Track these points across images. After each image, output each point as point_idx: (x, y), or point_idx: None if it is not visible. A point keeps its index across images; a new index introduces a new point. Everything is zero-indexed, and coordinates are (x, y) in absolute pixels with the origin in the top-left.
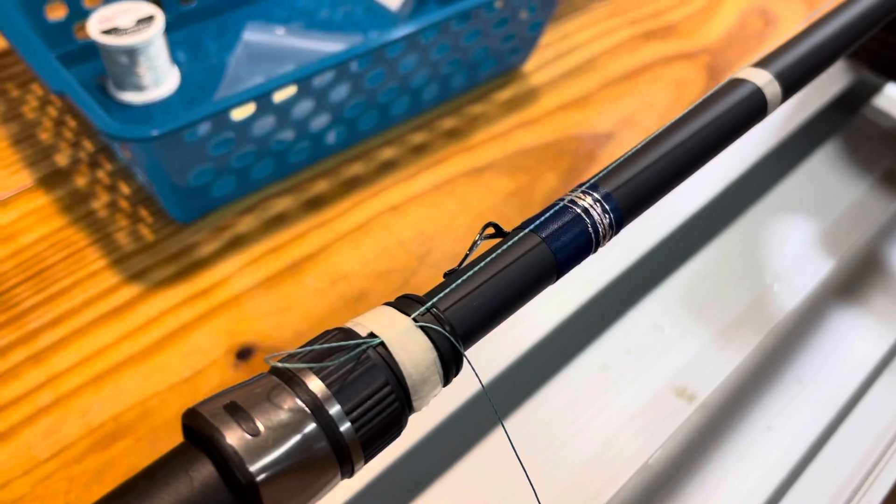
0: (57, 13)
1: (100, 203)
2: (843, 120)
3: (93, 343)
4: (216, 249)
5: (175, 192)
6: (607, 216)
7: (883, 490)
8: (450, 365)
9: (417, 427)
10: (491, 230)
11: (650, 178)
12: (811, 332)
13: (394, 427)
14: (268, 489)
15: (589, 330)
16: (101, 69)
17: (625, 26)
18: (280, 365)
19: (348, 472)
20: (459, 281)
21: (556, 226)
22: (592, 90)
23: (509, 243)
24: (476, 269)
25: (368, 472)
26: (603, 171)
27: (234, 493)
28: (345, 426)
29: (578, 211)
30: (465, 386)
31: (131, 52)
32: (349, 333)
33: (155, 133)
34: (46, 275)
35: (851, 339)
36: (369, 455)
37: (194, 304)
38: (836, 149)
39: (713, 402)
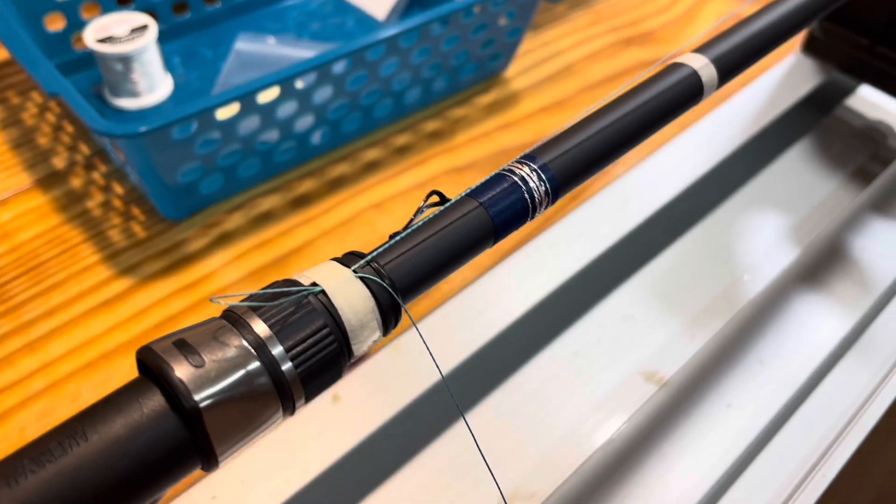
0: (56, 24)
1: (94, 202)
2: (815, 119)
3: (85, 332)
4: (205, 245)
5: (165, 190)
6: (543, 185)
7: (837, 466)
8: (388, 315)
9: (385, 409)
10: (435, 198)
11: (585, 151)
12: (775, 316)
13: (333, 367)
14: (211, 416)
15: (561, 318)
16: (98, 77)
17: (605, 34)
18: (223, 302)
19: (289, 408)
20: (399, 238)
21: (493, 192)
22: (571, 93)
23: (448, 205)
24: (415, 228)
25: (324, 460)
26: (539, 142)
27: (180, 420)
28: (286, 365)
29: (515, 179)
30: (429, 373)
31: (126, 60)
32: (293, 283)
33: (143, 129)
34: (41, 269)
35: (814, 322)
36: (310, 393)
37: (183, 297)
38: (808, 147)
39: (676, 381)
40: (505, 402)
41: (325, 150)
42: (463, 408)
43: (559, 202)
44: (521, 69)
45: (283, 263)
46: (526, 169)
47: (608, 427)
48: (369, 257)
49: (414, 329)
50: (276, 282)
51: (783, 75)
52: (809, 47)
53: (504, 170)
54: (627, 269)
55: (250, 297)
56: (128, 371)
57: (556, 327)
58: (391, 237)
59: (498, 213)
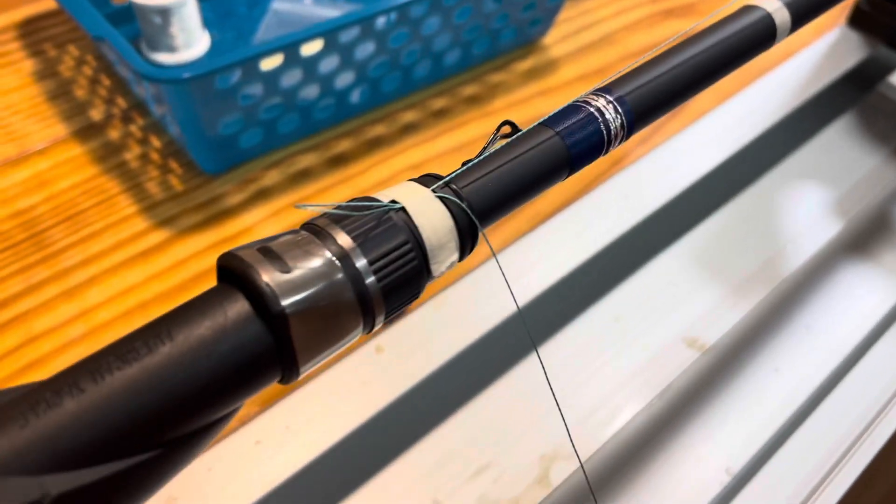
0: None
1: (132, 155)
2: (858, 95)
3: (123, 281)
4: (242, 200)
5: (205, 142)
6: (619, 117)
7: (887, 433)
8: (466, 237)
9: (428, 362)
10: (507, 128)
11: (661, 86)
12: (821, 284)
13: (413, 284)
14: (297, 322)
15: (603, 282)
16: (136, 33)
17: (645, 4)
18: (310, 208)
19: (369, 324)
20: (476, 161)
21: (569, 122)
22: (611, 62)
23: (522, 133)
24: (490, 154)
25: (366, 410)
26: (615, 75)
27: (265, 325)
28: (369, 279)
29: (592, 110)
30: (471, 327)
31: (164, 12)
32: (372, 200)
33: (187, 75)
34: (79, 218)
35: (861, 291)
36: (390, 310)
37: (220, 250)
38: (851, 122)
39: (721, 346)
40: (544, 363)
41: (363, 109)
42: (502, 370)
43: (595, 167)
44: (560, 37)
45: None
46: (602, 101)
47: (650, 391)
48: (447, 178)
49: (456, 285)
50: (355, 198)
51: (828, 48)
52: (855, 20)
53: (579, 101)
54: (670, 236)
55: (334, 214)
56: None
57: (597, 291)
58: (464, 164)
59: (574, 144)
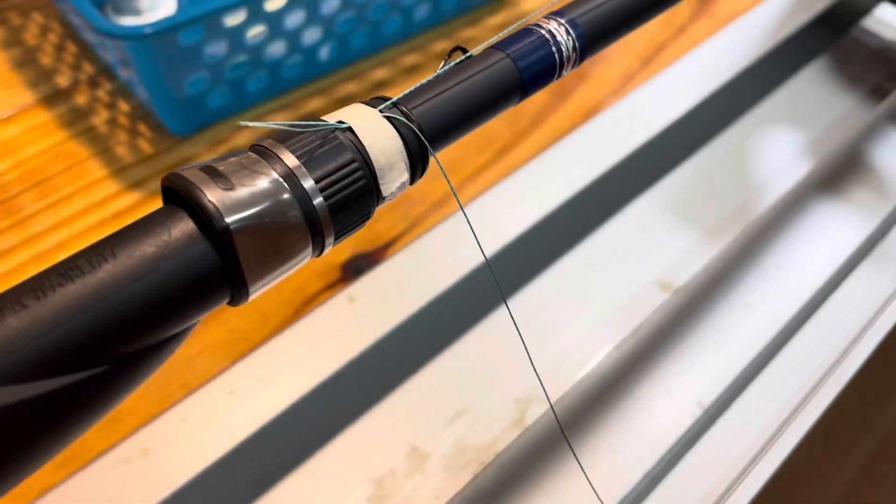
0: None
1: (100, 119)
2: (831, 38)
3: None
4: None
5: (172, 102)
6: (571, 40)
7: (853, 369)
8: (416, 159)
9: (400, 311)
10: (459, 54)
11: (614, 8)
12: (792, 223)
13: (362, 204)
14: (242, 240)
15: (574, 230)
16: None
17: None
18: (252, 125)
19: (319, 244)
20: (426, 82)
21: (520, 45)
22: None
23: (473, 55)
24: (441, 75)
25: (339, 359)
26: None
27: (210, 243)
28: (317, 199)
29: (543, 33)
30: (443, 277)
31: None
32: (319, 121)
33: (149, 30)
34: (48, 184)
35: (832, 228)
36: (339, 230)
37: None
38: (823, 66)
39: (692, 285)
40: (517, 311)
41: (332, 67)
42: (476, 317)
43: (568, 118)
44: None
45: None
46: (554, 23)
47: (623, 333)
48: (395, 99)
49: (427, 234)
50: (302, 120)
51: None
52: None
53: (531, 24)
54: (641, 184)
55: (278, 133)
56: None
57: (569, 239)
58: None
59: (526, 67)
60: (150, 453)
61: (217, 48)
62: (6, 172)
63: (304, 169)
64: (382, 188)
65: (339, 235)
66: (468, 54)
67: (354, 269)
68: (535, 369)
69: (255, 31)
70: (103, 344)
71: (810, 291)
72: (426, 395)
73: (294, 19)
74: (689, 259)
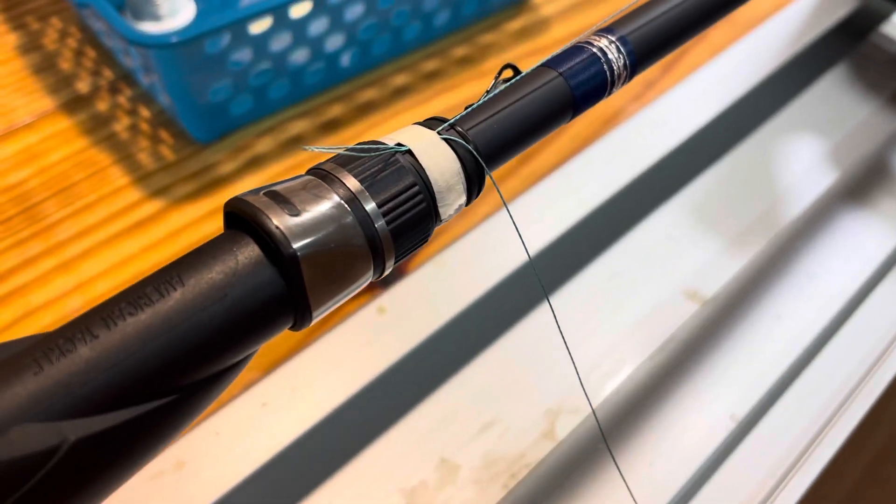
0: None
1: (121, 126)
2: (851, 45)
3: (119, 253)
4: (235, 168)
5: (195, 109)
6: (622, 58)
7: (888, 377)
8: (473, 180)
9: (430, 322)
10: (509, 72)
11: (664, 24)
12: (820, 232)
13: (422, 227)
14: (308, 266)
15: (599, 239)
16: (119, 2)
17: None
18: (315, 149)
19: (379, 268)
20: (480, 102)
21: (572, 63)
22: (601, 21)
23: (525, 75)
24: (496, 96)
25: (370, 371)
26: (617, 13)
27: (276, 270)
28: (378, 222)
29: (594, 50)
30: (473, 287)
31: None
32: (379, 143)
33: (175, 39)
34: (72, 191)
35: (860, 238)
36: (400, 253)
37: (216, 219)
38: (844, 73)
39: (722, 296)
40: (544, 321)
41: (353, 73)
42: (505, 327)
43: (590, 124)
44: None
45: None
46: (605, 41)
47: (651, 343)
48: (452, 121)
49: (455, 244)
50: (361, 143)
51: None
52: None
53: (581, 41)
54: (666, 191)
55: (339, 157)
56: None
57: (594, 249)
58: (467, 108)
59: (578, 85)
60: (184, 466)
61: (242, 56)
62: (29, 180)
63: (366, 193)
64: (441, 210)
65: (399, 258)
66: (520, 74)
67: (384, 279)
68: (579, 376)
69: (280, 39)
70: (173, 373)
71: (841, 301)
72: (455, 406)
73: (318, 27)
74: (715, 268)
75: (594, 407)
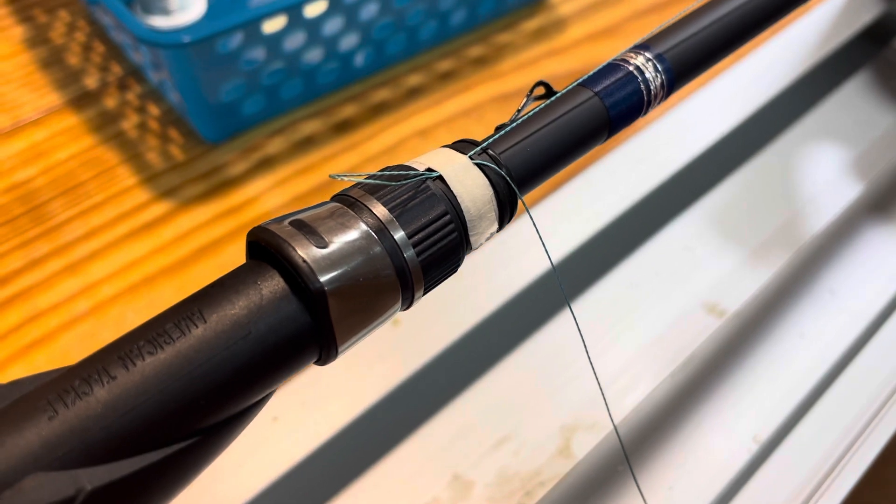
0: None
1: (130, 124)
2: (874, 51)
3: (126, 255)
4: (246, 169)
5: (206, 109)
6: (659, 76)
7: None
8: (505, 206)
9: (444, 335)
10: (541, 89)
11: (702, 41)
12: (843, 247)
13: (452, 257)
14: (335, 300)
15: (617, 249)
16: None
17: None
18: (346, 179)
19: (408, 300)
20: (513, 125)
21: (608, 82)
22: (620, 21)
23: (559, 94)
24: (529, 117)
25: (383, 385)
26: (654, 31)
27: (302, 304)
28: (408, 252)
29: (631, 69)
30: (488, 299)
31: None
32: (408, 169)
33: (187, 38)
34: (79, 191)
35: (885, 253)
36: (429, 285)
37: (225, 221)
38: (867, 79)
39: (744, 312)
40: (559, 333)
41: (367, 73)
42: (517, 341)
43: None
44: None
45: (327, 190)
46: (641, 58)
47: (670, 357)
48: (484, 144)
49: (468, 257)
50: (389, 167)
51: (843, 4)
52: None
53: (617, 59)
54: (685, 201)
55: (367, 184)
56: (173, 295)
57: (612, 259)
58: (498, 129)
59: (614, 105)
60: (192, 483)
61: (255, 55)
62: (35, 178)
63: (396, 222)
64: (472, 239)
65: (428, 289)
66: (554, 94)
67: None
68: (602, 392)
69: (293, 38)
70: (194, 416)
71: (865, 319)
72: (468, 421)
73: (332, 26)
74: (735, 280)
75: (616, 424)
